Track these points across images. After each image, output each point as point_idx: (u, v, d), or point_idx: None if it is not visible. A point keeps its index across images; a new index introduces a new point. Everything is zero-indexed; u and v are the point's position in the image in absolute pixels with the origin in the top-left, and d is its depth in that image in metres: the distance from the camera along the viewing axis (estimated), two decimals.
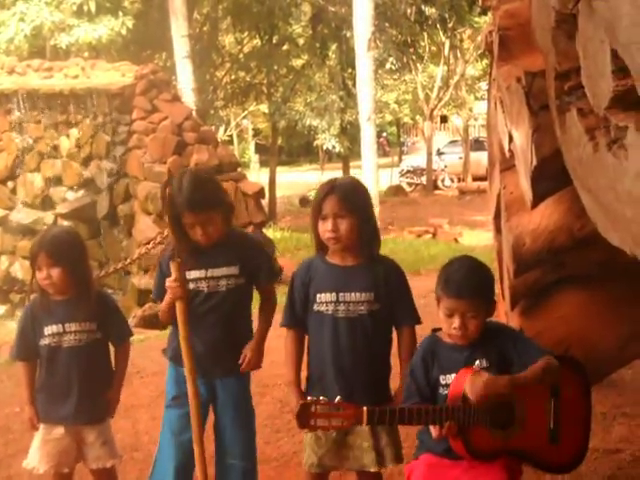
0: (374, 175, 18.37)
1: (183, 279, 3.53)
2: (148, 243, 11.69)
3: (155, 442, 5.24)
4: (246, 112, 30.42)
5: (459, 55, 28.75)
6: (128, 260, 11.33)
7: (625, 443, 4.48)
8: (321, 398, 2.94)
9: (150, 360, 6.61)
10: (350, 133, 23.96)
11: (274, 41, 24.71)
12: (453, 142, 34.85)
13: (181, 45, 19.35)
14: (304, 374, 3.54)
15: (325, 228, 3.32)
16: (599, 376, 4.17)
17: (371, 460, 3.36)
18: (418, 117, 36.02)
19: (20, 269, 14.66)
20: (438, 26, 23.09)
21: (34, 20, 18.78)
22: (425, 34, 24.45)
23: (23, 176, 14.81)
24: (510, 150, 3.35)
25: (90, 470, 3.93)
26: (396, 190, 29.89)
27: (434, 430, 3.03)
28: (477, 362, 3.08)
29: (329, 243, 3.37)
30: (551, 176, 2.76)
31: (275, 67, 23.94)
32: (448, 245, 15.24)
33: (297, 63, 25.86)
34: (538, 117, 2.71)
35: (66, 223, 12.99)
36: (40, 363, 3.83)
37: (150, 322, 9.14)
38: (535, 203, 3.12)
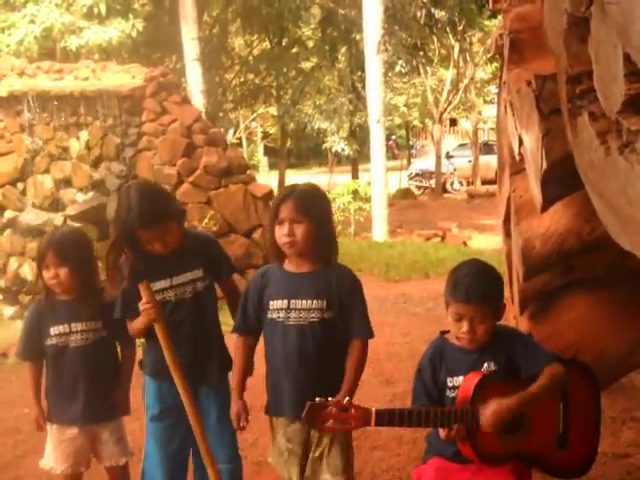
0: (383, 178, 18.39)
1: (154, 299, 3.48)
2: None
3: None
4: (255, 114, 30.50)
5: (469, 58, 28.72)
6: None
7: (634, 448, 4.46)
8: (330, 399, 2.93)
9: None
10: (359, 136, 23.98)
11: (283, 44, 24.78)
12: (462, 145, 34.80)
13: (191, 47, 19.41)
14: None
15: (281, 232, 3.27)
16: (608, 380, 4.16)
17: (334, 471, 3.32)
18: (427, 120, 36.01)
19: (29, 270, 14.68)
20: (448, 29, 23.06)
21: (44, 22, 18.85)
22: (435, 37, 24.43)
23: (33, 178, 14.83)
24: (520, 154, 3.35)
25: (105, 468, 3.97)
26: (405, 193, 29.86)
27: (442, 431, 3.03)
28: (485, 365, 3.08)
29: (284, 248, 3.30)
30: (561, 180, 2.76)
31: (284, 70, 24.00)
32: (457, 248, 15.21)
33: (306, 66, 25.91)
34: (548, 121, 2.71)
35: (76, 225, 13.03)
36: (47, 363, 3.86)
37: None
38: (545, 207, 3.11)
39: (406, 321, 8.48)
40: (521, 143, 3.25)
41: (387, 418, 3.00)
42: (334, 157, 31.09)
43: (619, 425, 4.75)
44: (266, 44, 25.93)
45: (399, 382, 5.50)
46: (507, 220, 4.35)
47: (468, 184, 31.06)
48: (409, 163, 35.85)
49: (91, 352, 3.76)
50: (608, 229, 1.95)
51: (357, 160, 27.01)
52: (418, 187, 31.43)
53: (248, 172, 13.16)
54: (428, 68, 27.81)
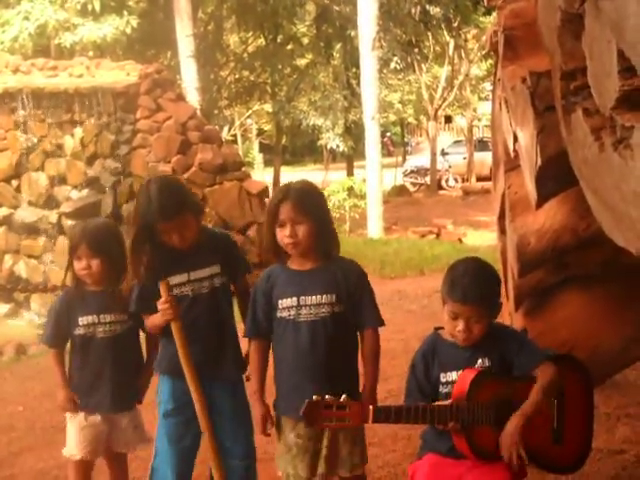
0: (378, 175, 18.38)
1: (173, 299, 3.51)
2: None
3: None
4: (250, 111, 30.43)
5: (463, 55, 28.70)
6: None
7: (629, 444, 4.47)
8: (327, 397, 2.94)
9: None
10: (354, 133, 23.95)
11: (278, 40, 24.77)
12: (457, 142, 34.79)
13: (185, 44, 19.37)
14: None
15: (283, 234, 3.30)
16: (603, 377, 4.17)
17: (347, 466, 3.35)
18: (422, 117, 35.98)
19: (24, 268, 14.67)
20: (443, 26, 23.07)
21: (38, 19, 18.79)
22: (429, 34, 24.44)
23: (27, 175, 14.81)
24: (515, 150, 3.35)
25: (113, 455, 4.04)
26: (400, 190, 29.86)
27: (439, 426, 3.04)
28: (479, 361, 3.09)
29: (288, 249, 3.35)
30: (556, 176, 2.76)
31: (279, 66, 23.97)
32: (452, 245, 15.22)
33: (301, 62, 25.88)
34: (543, 117, 2.71)
35: (70, 222, 13.01)
36: (74, 352, 3.93)
37: None
38: (540, 203, 3.11)
39: (401, 318, 8.47)
40: (516, 140, 3.25)
41: (385, 415, 3.01)
42: (329, 154, 31.12)
43: (614, 421, 4.76)
44: (261, 41, 25.92)
45: (393, 379, 5.49)
46: (502, 217, 4.35)
47: (463, 181, 31.08)
48: (404, 160, 35.86)
49: (118, 343, 3.85)
50: (602, 225, 1.96)
51: (352, 157, 27.00)
52: (413, 184, 31.42)
53: (243, 169, 13.16)
54: (423, 65, 27.76)
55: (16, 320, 13.94)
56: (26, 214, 14.68)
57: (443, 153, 31.44)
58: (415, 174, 31.73)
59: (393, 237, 17.58)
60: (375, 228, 18.27)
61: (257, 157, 37.40)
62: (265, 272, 3.52)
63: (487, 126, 34.93)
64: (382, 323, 3.43)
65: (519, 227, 3.68)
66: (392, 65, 21.72)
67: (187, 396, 3.58)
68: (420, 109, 34.77)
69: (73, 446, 3.90)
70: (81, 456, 3.88)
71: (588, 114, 1.86)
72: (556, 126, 2.31)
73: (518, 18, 3.28)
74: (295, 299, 3.34)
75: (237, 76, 25.71)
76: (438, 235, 18.43)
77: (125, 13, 19.97)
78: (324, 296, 3.32)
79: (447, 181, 31.24)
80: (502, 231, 4.46)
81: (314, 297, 3.33)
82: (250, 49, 26.20)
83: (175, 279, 3.59)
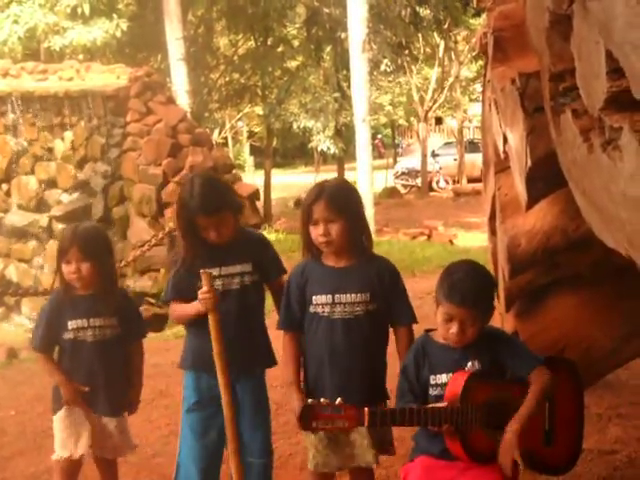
0: (369, 177, 18.36)
1: (214, 289, 3.54)
2: (143, 245, 11.69)
3: (150, 444, 5.26)
4: (241, 114, 30.40)
5: (453, 57, 28.76)
6: (123, 262, 11.31)
7: (620, 444, 4.48)
8: (322, 400, 2.95)
9: (145, 362, 6.58)
10: (345, 135, 23.94)
11: (269, 43, 24.72)
12: (448, 144, 34.81)
13: (175, 47, 19.31)
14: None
15: (317, 233, 3.36)
16: (594, 377, 4.17)
17: (372, 456, 3.41)
18: (413, 119, 36.02)
19: (15, 272, 14.63)
20: (433, 28, 23.11)
21: (28, 22, 18.71)
22: (420, 36, 24.48)
23: (17, 179, 14.78)
24: (505, 152, 3.35)
25: (102, 459, 4.02)
26: (391, 192, 29.87)
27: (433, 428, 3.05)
28: (470, 364, 3.10)
29: (322, 247, 3.41)
30: (545, 177, 2.76)
31: (270, 69, 23.93)
32: (443, 247, 15.22)
33: (292, 65, 25.85)
34: (533, 119, 2.70)
35: (61, 226, 12.98)
36: (62, 356, 3.92)
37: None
38: (530, 204, 3.11)
39: None
40: (506, 141, 3.25)
41: (380, 418, 3.03)
42: (320, 156, 31.08)
43: (605, 422, 4.77)
44: (251, 43, 25.84)
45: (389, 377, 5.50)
46: (492, 218, 4.35)
47: (454, 182, 31.12)
48: (395, 162, 35.88)
49: (107, 347, 3.85)
50: (592, 226, 1.96)
51: (343, 159, 26.96)
52: (404, 186, 31.45)
53: (234, 171, 13.17)
54: (413, 67, 27.83)
55: (7, 324, 13.91)
56: (16, 218, 14.65)
57: (434, 155, 31.47)
58: (406, 176, 31.76)
59: (384, 239, 17.56)
60: None
61: (248, 160, 37.37)
62: (299, 265, 3.57)
63: (478, 127, 35.02)
64: (416, 320, 3.50)
65: (509, 228, 3.68)
66: (382, 67, 21.76)
67: (211, 391, 3.62)
68: (411, 111, 34.83)
69: (60, 446, 3.88)
70: (68, 453, 3.85)
71: (577, 115, 1.86)
72: (546, 127, 2.31)
73: (507, 20, 3.28)
74: (330, 296, 3.39)
75: (227, 79, 25.67)
76: (429, 237, 18.45)
77: (115, 16, 19.89)
78: (359, 295, 3.38)
79: (438, 183, 31.28)
80: (493, 232, 4.45)
81: (349, 295, 3.38)
82: (240, 51, 26.14)
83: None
